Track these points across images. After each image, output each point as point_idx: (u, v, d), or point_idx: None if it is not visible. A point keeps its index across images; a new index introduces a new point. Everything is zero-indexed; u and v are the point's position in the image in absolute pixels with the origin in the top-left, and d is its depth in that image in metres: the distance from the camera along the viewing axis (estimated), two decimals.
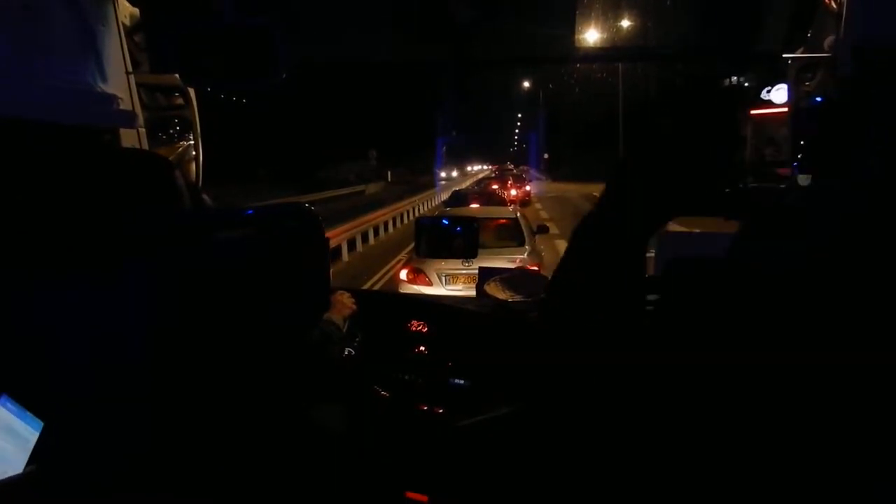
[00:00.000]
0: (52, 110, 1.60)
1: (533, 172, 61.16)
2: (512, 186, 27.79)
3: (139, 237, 0.92)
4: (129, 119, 1.93)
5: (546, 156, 66.64)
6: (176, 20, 1.70)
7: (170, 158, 2.51)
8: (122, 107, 1.91)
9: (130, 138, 1.98)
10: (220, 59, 1.68)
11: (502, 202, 15.62)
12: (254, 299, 1.04)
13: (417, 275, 6.81)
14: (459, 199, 15.58)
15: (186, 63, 1.75)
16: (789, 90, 2.52)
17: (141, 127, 2.04)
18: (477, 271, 2.16)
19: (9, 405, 0.87)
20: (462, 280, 6.65)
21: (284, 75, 1.76)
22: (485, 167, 78.58)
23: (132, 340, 0.94)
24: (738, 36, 1.81)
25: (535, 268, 6.59)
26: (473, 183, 34.81)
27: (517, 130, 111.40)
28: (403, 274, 6.99)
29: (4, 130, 1.45)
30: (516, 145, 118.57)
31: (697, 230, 2.25)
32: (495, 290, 1.95)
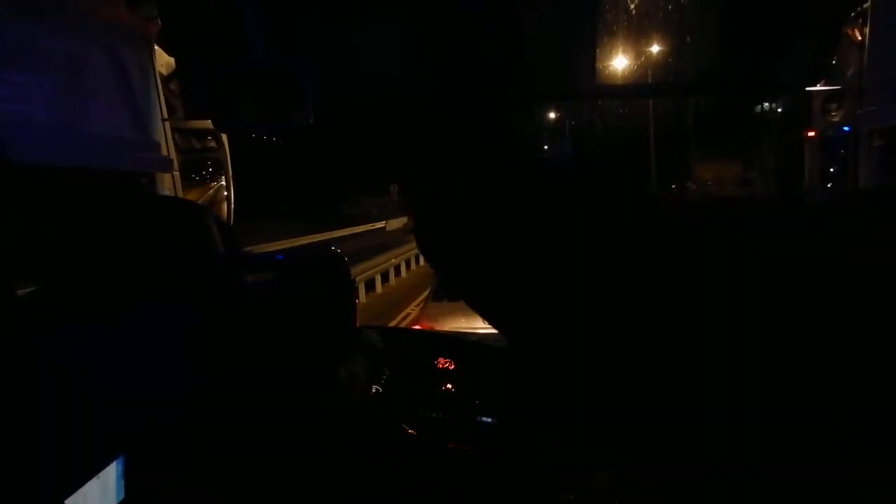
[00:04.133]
0: (92, 158, 1.74)
1: None
2: None
3: (176, 280, 1.01)
4: (164, 164, 2.06)
5: None
6: (207, 67, 1.83)
7: (203, 198, 2.68)
8: (158, 153, 2.05)
9: (166, 182, 2.11)
10: (249, 104, 1.80)
11: None
12: (283, 339, 1.11)
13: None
14: None
15: (217, 111, 1.87)
16: (815, 119, 2.58)
17: (176, 171, 2.17)
18: None
19: (119, 467, 0.93)
20: None
21: (311, 119, 1.87)
22: None
23: (169, 378, 1.02)
24: (762, 68, 1.88)
25: None
26: None
27: None
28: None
29: (48, 179, 1.57)
30: None
31: None
32: None
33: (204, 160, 2.70)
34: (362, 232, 27.48)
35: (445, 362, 2.07)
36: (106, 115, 1.85)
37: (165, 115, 2.13)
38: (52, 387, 1.01)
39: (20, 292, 1.26)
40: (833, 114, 2.55)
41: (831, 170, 2.80)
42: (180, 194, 2.20)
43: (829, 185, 2.73)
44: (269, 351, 1.10)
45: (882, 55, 1.86)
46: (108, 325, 1.04)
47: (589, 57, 1.92)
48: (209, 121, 2.22)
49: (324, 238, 22.64)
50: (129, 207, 1.14)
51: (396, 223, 37.73)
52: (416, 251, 19.05)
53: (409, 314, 11.61)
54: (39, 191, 1.47)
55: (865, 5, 1.95)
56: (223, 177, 2.78)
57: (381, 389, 1.85)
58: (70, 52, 1.71)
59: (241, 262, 1.19)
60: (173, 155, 2.18)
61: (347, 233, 26.28)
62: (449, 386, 2.01)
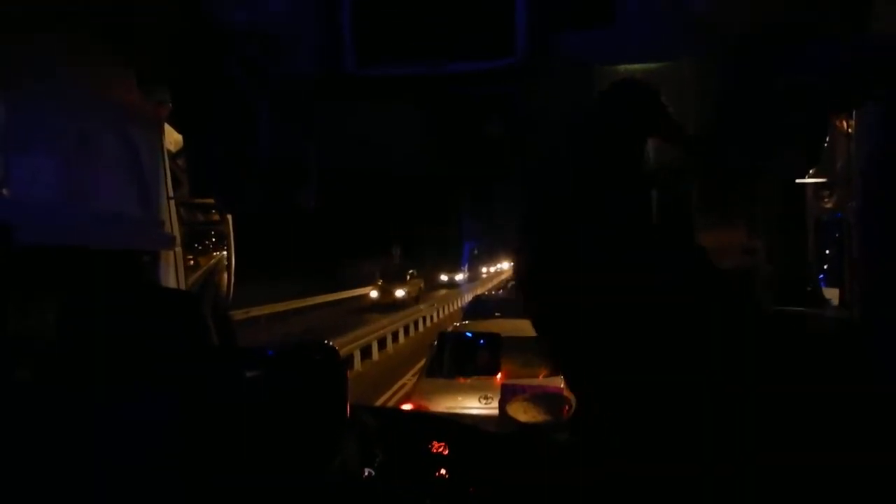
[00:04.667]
0: (96, 237, 1.78)
1: None
2: None
3: (167, 374, 1.02)
4: (167, 242, 2.10)
5: None
6: (217, 151, 1.90)
7: (206, 267, 2.72)
8: (162, 230, 2.10)
9: (168, 258, 2.14)
10: (256, 187, 1.86)
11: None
12: (276, 434, 1.12)
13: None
14: (480, 308, 14.14)
15: (224, 193, 1.94)
16: (809, 205, 2.63)
17: (178, 247, 2.21)
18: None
19: None
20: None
21: (314, 203, 1.93)
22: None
23: (159, 473, 1.01)
24: (754, 161, 1.95)
25: (560, 387, 6.05)
26: (500, 284, 34.71)
27: None
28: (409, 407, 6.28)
29: (51, 259, 1.61)
30: None
31: None
32: (517, 412, 1.99)
33: (208, 231, 2.76)
34: (359, 296, 26.96)
35: (440, 446, 2.05)
36: (112, 194, 1.90)
37: (171, 193, 2.18)
38: (30, 473, 1.01)
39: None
40: (826, 200, 2.60)
41: (826, 252, 2.84)
42: (182, 270, 2.23)
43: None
44: (260, 446, 1.10)
45: (868, 148, 1.92)
46: (94, 416, 1.05)
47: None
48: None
49: (321, 301, 22.30)
50: (124, 298, 1.17)
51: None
52: (411, 319, 18.80)
53: (404, 385, 11.36)
54: (39, 272, 1.50)
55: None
56: (225, 247, 2.84)
57: (373, 473, 1.83)
58: (81, 134, 1.78)
59: (234, 356, 1.20)
60: (177, 231, 2.22)
61: (351, 294, 25.74)
62: (443, 472, 1.98)
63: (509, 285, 29.47)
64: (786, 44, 1.65)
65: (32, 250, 1.49)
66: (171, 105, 2.08)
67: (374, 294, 24.43)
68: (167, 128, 2.29)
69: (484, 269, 53.22)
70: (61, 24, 1.59)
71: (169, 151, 2.31)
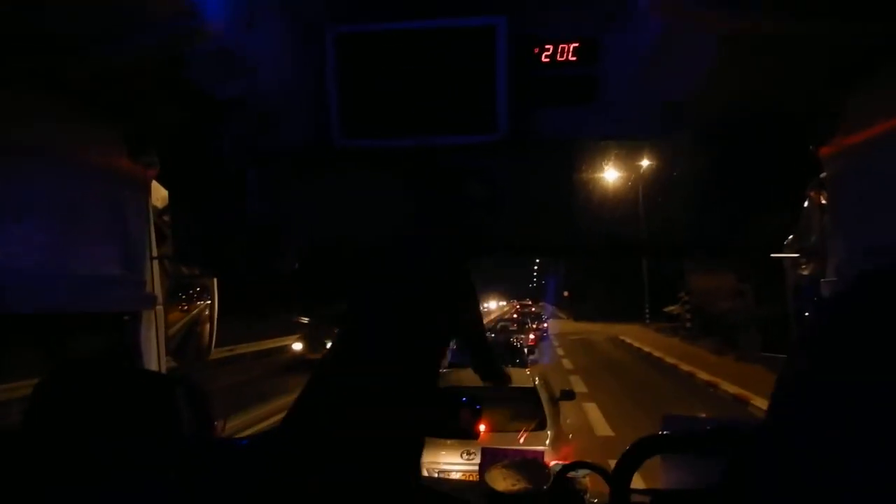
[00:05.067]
0: (77, 302, 1.79)
1: (549, 308, 61.36)
2: (531, 331, 26.92)
3: (141, 462, 1.03)
4: (148, 302, 2.11)
5: (566, 293, 67.13)
6: (200, 214, 1.93)
7: (187, 318, 2.72)
8: (143, 290, 2.11)
9: (149, 317, 2.15)
10: (239, 254, 1.89)
11: (521, 357, 14.19)
12: None
13: None
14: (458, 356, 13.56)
15: (206, 258, 1.96)
16: (787, 273, 2.69)
17: (159, 305, 2.22)
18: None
19: None
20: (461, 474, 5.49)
21: (296, 265, 1.96)
22: (503, 304, 78.97)
23: None
24: (728, 234, 2.00)
25: (542, 449, 5.55)
26: (490, 323, 34.45)
27: (535, 267, 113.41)
28: None
29: (27, 327, 1.62)
30: (535, 280, 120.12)
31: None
32: (496, 480, 1.98)
33: (192, 284, 2.78)
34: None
35: None
36: (95, 257, 1.92)
37: (155, 253, 2.20)
38: None
39: None
40: (803, 268, 2.66)
41: (806, 314, 2.89)
42: (162, 330, 2.23)
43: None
44: None
45: (839, 225, 1.98)
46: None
47: (562, 215, 2.04)
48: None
49: (283, 343, 21.35)
50: (99, 384, 1.17)
51: None
52: None
53: None
54: (14, 341, 1.51)
55: (823, 175, 2.09)
56: (208, 299, 2.85)
57: None
58: (66, 198, 1.80)
59: (210, 446, 1.21)
60: (159, 289, 2.23)
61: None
62: None
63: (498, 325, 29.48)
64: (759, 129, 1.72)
65: (6, 318, 1.49)
66: (159, 167, 2.11)
67: None
68: (154, 184, 2.32)
69: None
70: (51, 91, 1.62)
71: (155, 207, 2.34)
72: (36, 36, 1.16)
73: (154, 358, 2.14)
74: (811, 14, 1.07)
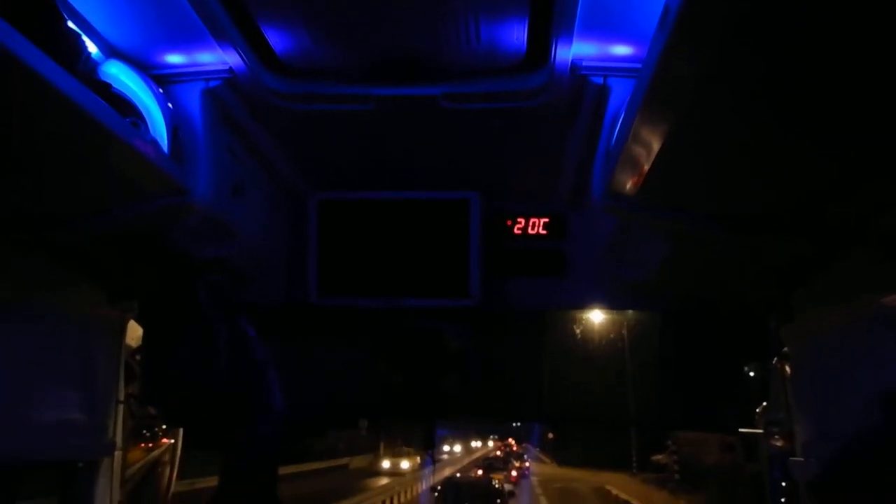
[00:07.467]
0: (33, 450, 1.76)
1: (532, 450, 59.33)
2: (513, 468, 27.73)
3: None
4: (108, 449, 2.08)
5: (551, 434, 65.10)
6: (172, 365, 1.94)
7: (149, 457, 2.64)
8: (104, 437, 2.08)
9: (106, 465, 2.09)
10: (206, 411, 1.88)
11: (501, 498, 14.13)
12: None
13: None
14: (452, 494, 13.31)
15: (176, 412, 1.95)
16: (760, 443, 2.70)
17: (118, 451, 2.17)
18: None
19: None
20: None
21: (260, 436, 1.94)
22: (489, 443, 76.45)
23: None
24: (696, 410, 2.05)
25: None
26: (472, 463, 33.35)
27: None
28: None
29: None
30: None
31: None
32: None
33: (158, 423, 2.72)
34: (325, 469, 25.78)
35: None
36: (59, 403, 1.91)
37: (121, 397, 2.19)
38: None
39: None
40: (776, 438, 2.68)
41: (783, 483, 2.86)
42: (117, 478, 2.17)
43: None
44: None
45: (801, 404, 2.02)
46: None
47: (532, 382, 2.09)
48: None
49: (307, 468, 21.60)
50: None
51: (362, 461, 35.91)
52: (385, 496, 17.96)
53: None
54: None
55: (785, 350, 2.16)
56: (173, 439, 2.79)
57: None
58: (36, 347, 1.81)
59: None
60: (120, 434, 2.19)
61: (307, 468, 24.72)
62: None
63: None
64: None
65: None
66: (135, 312, 2.16)
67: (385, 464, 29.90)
68: (131, 322, 2.34)
69: (446, 448, 51.64)
70: (34, 252, 1.67)
71: (129, 346, 2.35)
72: (35, 215, 1.25)
73: None
74: (741, 228, 1.19)
